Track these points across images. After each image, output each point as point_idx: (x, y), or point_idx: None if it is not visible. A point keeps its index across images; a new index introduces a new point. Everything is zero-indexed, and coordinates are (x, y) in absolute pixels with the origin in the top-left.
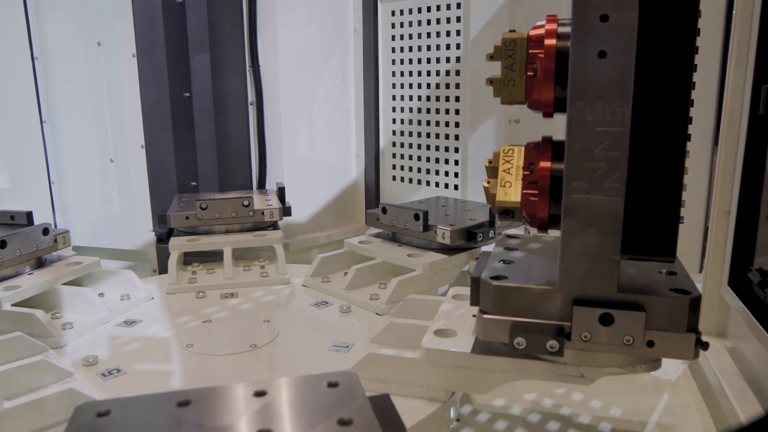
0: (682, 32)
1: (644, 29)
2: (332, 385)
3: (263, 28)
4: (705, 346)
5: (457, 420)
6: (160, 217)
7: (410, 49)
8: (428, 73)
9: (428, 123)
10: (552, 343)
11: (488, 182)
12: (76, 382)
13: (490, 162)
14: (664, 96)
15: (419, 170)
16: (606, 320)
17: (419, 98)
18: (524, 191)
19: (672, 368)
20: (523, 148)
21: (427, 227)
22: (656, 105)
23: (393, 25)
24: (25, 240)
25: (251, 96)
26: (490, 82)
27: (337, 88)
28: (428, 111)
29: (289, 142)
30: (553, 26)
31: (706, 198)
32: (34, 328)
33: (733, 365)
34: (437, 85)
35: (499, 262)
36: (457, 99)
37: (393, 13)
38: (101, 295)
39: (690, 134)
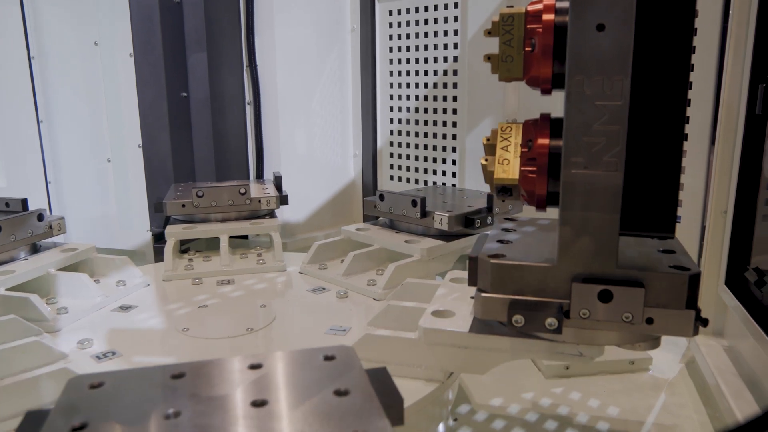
0: (681, 2)
1: (643, 1)
2: (328, 358)
3: (261, 27)
4: (705, 322)
5: (455, 420)
6: (156, 205)
7: (408, 48)
8: (426, 73)
9: (426, 123)
10: (551, 321)
11: (486, 160)
12: (71, 363)
13: (488, 140)
14: (663, 69)
15: (417, 170)
16: (605, 297)
17: (417, 98)
18: (522, 168)
19: (669, 367)
20: (521, 126)
21: (424, 213)
22: (656, 78)
23: (390, 25)
24: (20, 226)
25: (248, 95)
26: (488, 58)
27: (334, 88)
28: (426, 111)
29: (286, 141)
30: (551, 1)
31: (703, 197)
32: (28, 312)
33: (730, 364)
34: (435, 85)
35: (497, 242)
36: (455, 99)
37: (390, 13)
38: (97, 281)
39: (687, 134)
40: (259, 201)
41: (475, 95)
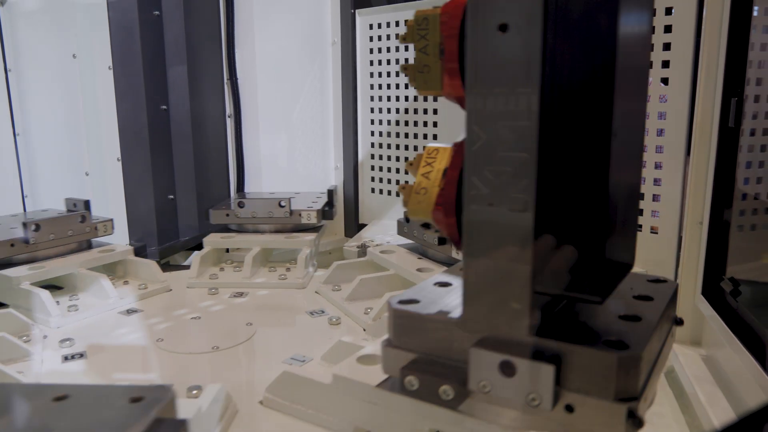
0: None
1: None
2: (135, 400)
3: (241, 40)
4: (638, 422)
5: None
6: (205, 213)
7: (388, 61)
8: (406, 86)
9: (406, 135)
10: (446, 389)
11: (403, 187)
12: (19, 364)
13: (411, 164)
14: (583, 81)
15: (398, 182)
16: (507, 369)
17: (397, 110)
18: (436, 202)
19: None
20: (449, 149)
21: (443, 240)
22: (574, 93)
23: (371, 38)
24: (60, 225)
25: (229, 108)
26: (405, 68)
27: (315, 101)
28: (406, 123)
29: (267, 154)
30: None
31: (679, 208)
32: (38, 307)
33: (708, 373)
34: (415, 98)
35: (436, 284)
36: (435, 111)
37: (371, 26)
38: (126, 282)
39: (663, 145)
40: (300, 215)
41: (456, 107)
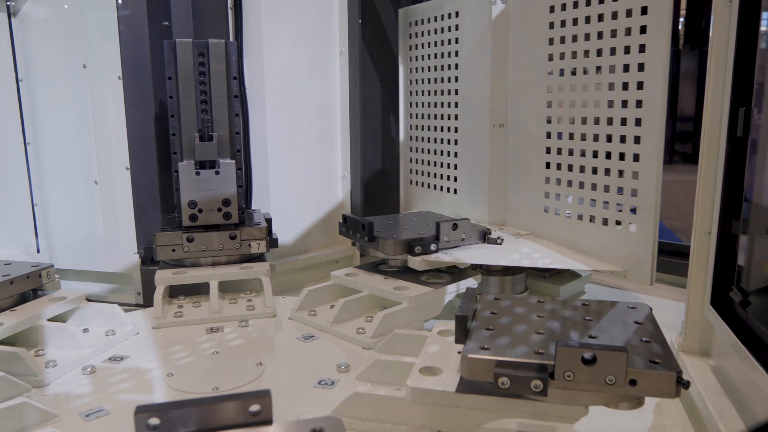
0: None
1: None
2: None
3: (249, 50)
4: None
5: None
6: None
7: None
8: (416, 93)
9: (418, 139)
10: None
11: None
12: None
13: None
14: None
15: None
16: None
17: (410, 116)
18: None
19: None
20: None
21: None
22: None
23: None
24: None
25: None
26: None
27: (323, 110)
28: (418, 128)
29: (274, 163)
30: None
31: (655, 205)
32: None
33: (717, 384)
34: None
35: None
36: (446, 117)
37: None
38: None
39: (639, 136)
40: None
41: (469, 113)
